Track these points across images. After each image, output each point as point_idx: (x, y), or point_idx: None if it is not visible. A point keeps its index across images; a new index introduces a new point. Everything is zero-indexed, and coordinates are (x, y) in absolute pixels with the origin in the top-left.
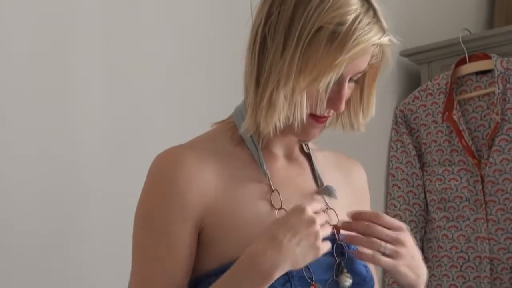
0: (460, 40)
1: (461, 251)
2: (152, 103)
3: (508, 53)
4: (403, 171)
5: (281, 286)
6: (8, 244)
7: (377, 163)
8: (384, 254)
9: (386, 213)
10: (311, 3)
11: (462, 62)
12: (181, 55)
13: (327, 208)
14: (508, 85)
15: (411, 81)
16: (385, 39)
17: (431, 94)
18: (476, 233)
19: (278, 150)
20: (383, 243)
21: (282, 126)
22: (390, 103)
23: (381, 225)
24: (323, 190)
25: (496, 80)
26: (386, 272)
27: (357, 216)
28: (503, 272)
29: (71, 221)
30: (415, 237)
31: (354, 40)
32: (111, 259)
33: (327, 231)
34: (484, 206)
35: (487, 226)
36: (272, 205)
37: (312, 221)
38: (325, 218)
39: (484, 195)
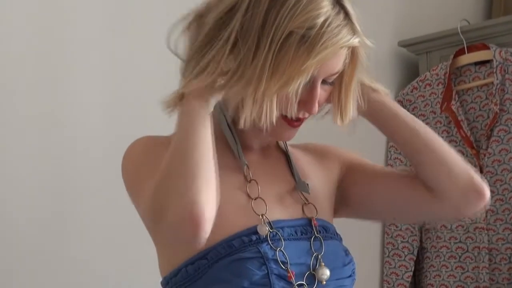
0: (459, 30)
1: (460, 241)
2: (150, 102)
3: (506, 43)
4: (401, 161)
5: (258, 269)
6: (7, 242)
7: (375, 154)
8: None
9: None
10: (283, 8)
11: (461, 52)
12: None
13: (305, 203)
14: (506, 76)
15: (410, 72)
16: (354, 41)
17: (429, 85)
18: (474, 224)
19: (254, 143)
20: None
21: (250, 126)
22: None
23: None
24: (299, 184)
25: (494, 70)
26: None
27: None
28: (502, 263)
29: (68, 220)
30: (414, 227)
31: (321, 44)
32: (111, 256)
33: None
34: None
35: (486, 216)
36: (248, 195)
37: None
38: None
39: None
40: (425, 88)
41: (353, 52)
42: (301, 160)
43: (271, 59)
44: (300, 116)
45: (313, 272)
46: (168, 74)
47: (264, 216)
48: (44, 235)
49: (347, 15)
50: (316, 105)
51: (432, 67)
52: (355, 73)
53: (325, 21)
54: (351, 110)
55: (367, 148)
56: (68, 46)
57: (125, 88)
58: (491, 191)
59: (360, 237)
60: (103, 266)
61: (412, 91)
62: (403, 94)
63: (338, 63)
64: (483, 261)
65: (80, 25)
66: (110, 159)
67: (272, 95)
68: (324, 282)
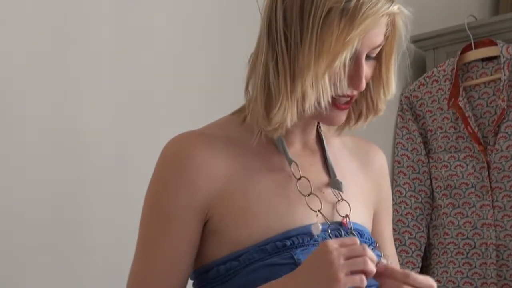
0: (466, 26)
1: (467, 237)
2: (156, 100)
3: None
4: (408, 157)
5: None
6: (11, 241)
7: (382, 150)
8: None
9: (392, 199)
10: None
11: (468, 48)
12: (187, 49)
13: (338, 200)
14: None
15: (417, 68)
16: (394, 8)
17: (436, 81)
18: (482, 220)
19: (296, 137)
20: None
21: (311, 113)
22: (395, 90)
23: (411, 285)
24: (334, 183)
25: (502, 66)
26: None
27: (386, 273)
28: (509, 259)
29: (75, 219)
30: (421, 224)
31: (362, 14)
32: (116, 258)
33: (366, 265)
34: (490, 192)
35: (493, 212)
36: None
37: (333, 255)
38: (356, 242)
39: (490, 182)
40: (432, 84)
41: (393, 23)
42: (342, 157)
43: (315, 40)
44: (349, 93)
45: None
46: (176, 75)
47: (320, 213)
48: (51, 235)
49: None
50: (363, 80)
51: (439, 63)
52: (395, 44)
53: None
54: (393, 85)
55: (374, 143)
56: (73, 45)
57: (133, 90)
58: (498, 187)
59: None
60: (108, 265)
61: (419, 88)
62: (410, 90)
63: (380, 34)
64: (490, 257)
65: (85, 23)
66: (116, 157)
67: (324, 74)
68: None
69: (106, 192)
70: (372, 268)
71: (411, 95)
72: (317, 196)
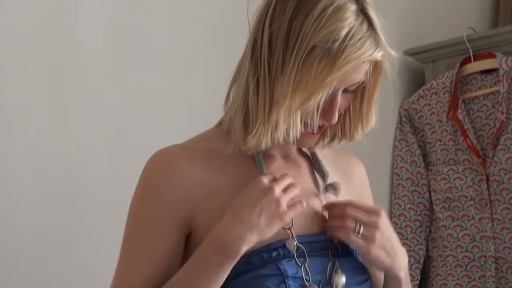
0: (465, 39)
1: (466, 250)
2: (155, 104)
3: None
4: (407, 170)
5: (276, 287)
6: (9, 245)
7: (381, 162)
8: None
9: (391, 212)
10: (307, 19)
11: (467, 61)
12: (185, 53)
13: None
14: None
15: (416, 80)
16: (377, 55)
17: (435, 93)
18: (481, 232)
19: (275, 152)
20: (357, 226)
21: (282, 141)
22: (394, 102)
23: (354, 207)
24: (329, 186)
25: (501, 79)
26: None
27: (330, 207)
28: (509, 272)
29: (73, 222)
30: (420, 236)
31: (344, 58)
32: (114, 260)
33: (292, 193)
34: (489, 205)
35: (492, 225)
36: None
37: (269, 188)
38: (289, 181)
39: (489, 194)
40: (431, 96)
41: (376, 63)
42: (330, 165)
43: (295, 74)
44: (321, 123)
45: (328, 280)
46: (174, 80)
47: (290, 230)
48: (46, 236)
49: (370, 24)
50: (336, 114)
51: (438, 75)
52: (378, 83)
53: (348, 33)
54: (373, 120)
55: (373, 157)
56: (71, 46)
57: (130, 93)
58: (497, 200)
59: None
60: (106, 268)
61: (418, 100)
62: (409, 102)
63: (360, 75)
64: (489, 270)
65: (83, 23)
66: (112, 161)
67: (297, 109)
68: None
69: (104, 197)
70: (297, 191)
71: (410, 107)
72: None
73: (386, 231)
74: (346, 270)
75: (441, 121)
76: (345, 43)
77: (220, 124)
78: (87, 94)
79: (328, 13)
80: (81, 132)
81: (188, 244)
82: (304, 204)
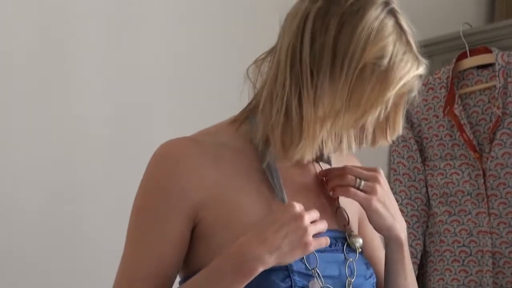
0: (461, 34)
1: (463, 245)
2: (154, 100)
3: (509, 47)
4: (404, 165)
5: (281, 281)
6: (10, 243)
7: (378, 158)
8: (359, 190)
9: None
10: (354, 37)
11: (463, 56)
12: (184, 50)
13: (338, 207)
14: (509, 79)
15: None
16: (421, 68)
17: (432, 89)
18: (478, 227)
19: None
20: (357, 180)
21: (332, 152)
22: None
23: (352, 174)
24: (322, 157)
25: (497, 74)
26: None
27: (328, 171)
28: (505, 266)
29: (73, 220)
30: (417, 232)
31: (395, 75)
32: (115, 256)
33: (320, 227)
34: (486, 200)
35: (489, 220)
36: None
37: (299, 216)
38: (317, 215)
39: (486, 189)
40: (427, 92)
41: None
42: (325, 167)
43: (347, 93)
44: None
45: (349, 278)
46: (174, 77)
47: (315, 271)
48: (52, 236)
49: (406, 35)
50: (400, 128)
51: (434, 71)
52: (406, 93)
53: (393, 49)
54: (400, 128)
55: (370, 153)
56: (69, 44)
57: (130, 90)
58: (494, 195)
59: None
60: (107, 266)
61: (414, 96)
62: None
63: (411, 90)
64: (486, 265)
65: (81, 22)
66: (113, 158)
67: (351, 127)
68: (359, 250)
69: (105, 194)
70: (325, 227)
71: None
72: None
73: (385, 187)
74: (352, 264)
75: (437, 116)
76: (393, 59)
77: (234, 121)
78: (86, 92)
79: (374, 29)
80: (80, 129)
81: (192, 237)
82: (328, 240)
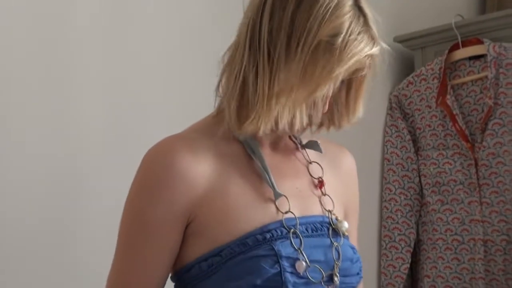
0: (453, 25)
1: (456, 233)
2: (152, 98)
3: (500, 38)
4: (398, 155)
5: (271, 267)
6: (9, 241)
7: (372, 148)
8: None
9: (382, 197)
10: (311, 15)
11: (456, 47)
12: (181, 46)
13: (323, 195)
14: (500, 70)
15: (405, 67)
16: (375, 50)
17: (425, 80)
18: (470, 216)
19: (266, 138)
20: None
21: (287, 129)
22: (384, 89)
23: None
24: (308, 144)
25: (489, 65)
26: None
27: None
28: (497, 254)
29: (71, 219)
30: (411, 220)
31: (348, 53)
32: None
33: None
34: (478, 189)
35: (481, 208)
36: (265, 195)
37: None
38: None
39: (478, 178)
40: (420, 83)
41: (370, 58)
42: (313, 158)
43: (301, 68)
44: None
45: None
46: (170, 74)
47: (283, 214)
48: (50, 234)
49: (365, 18)
50: (327, 104)
51: (427, 62)
52: (366, 77)
53: (348, 28)
54: (360, 111)
55: (364, 143)
56: (66, 41)
57: (127, 87)
58: (486, 184)
59: (358, 230)
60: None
61: (407, 86)
62: (399, 89)
63: (362, 68)
64: (478, 253)
65: (78, 20)
66: (111, 156)
67: (303, 102)
68: (345, 234)
69: (104, 190)
70: None
71: (400, 93)
72: (286, 198)
73: None
74: (339, 248)
75: (430, 107)
76: (347, 38)
77: (216, 114)
78: (84, 87)
79: (330, 8)
80: (80, 125)
81: (184, 234)
82: None
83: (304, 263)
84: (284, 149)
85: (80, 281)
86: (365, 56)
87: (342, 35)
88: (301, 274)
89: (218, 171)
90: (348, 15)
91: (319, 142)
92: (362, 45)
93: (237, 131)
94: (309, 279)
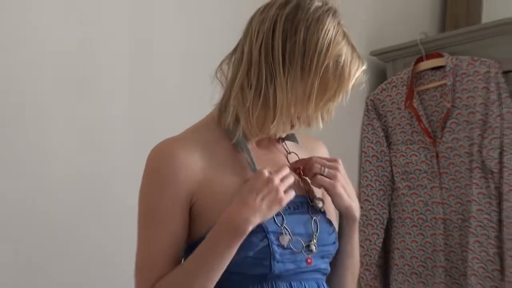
0: (418, 42)
1: (421, 213)
2: (171, 102)
3: (457, 52)
4: (373, 149)
5: (260, 241)
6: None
7: (352, 143)
8: (323, 176)
9: (360, 183)
10: (319, 41)
11: (420, 60)
12: (197, 50)
13: (289, 153)
14: (457, 78)
15: (379, 76)
16: (364, 67)
17: (395, 86)
18: (432, 199)
19: (254, 137)
20: (322, 167)
21: (302, 129)
22: (362, 94)
23: (318, 162)
24: (287, 137)
25: (447, 74)
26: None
27: (297, 162)
28: (454, 230)
29: (98, 216)
30: (384, 202)
31: (349, 71)
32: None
33: (289, 182)
34: (438, 176)
35: (441, 193)
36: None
37: (270, 180)
38: (286, 172)
39: (438, 168)
40: (392, 89)
41: None
42: (295, 150)
43: (317, 82)
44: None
45: (315, 233)
46: (187, 77)
47: (285, 227)
48: (77, 224)
49: (349, 39)
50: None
51: (397, 72)
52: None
53: (346, 51)
54: (333, 114)
55: (345, 139)
56: (94, 47)
57: (148, 88)
58: (445, 172)
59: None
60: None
61: (381, 92)
62: (374, 94)
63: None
64: (439, 229)
65: (105, 28)
66: (134, 160)
67: (320, 108)
68: (322, 210)
69: (125, 187)
70: (293, 180)
71: (375, 98)
72: None
73: (344, 174)
74: (317, 222)
75: (400, 109)
76: (348, 58)
77: (213, 116)
78: (108, 92)
79: (333, 35)
80: (103, 127)
81: (190, 216)
82: (294, 193)
83: (287, 237)
84: (267, 144)
85: (112, 277)
86: (361, 71)
87: (344, 56)
88: (285, 246)
89: (210, 163)
90: (344, 40)
91: (295, 134)
92: (357, 62)
93: (258, 133)
94: (292, 249)
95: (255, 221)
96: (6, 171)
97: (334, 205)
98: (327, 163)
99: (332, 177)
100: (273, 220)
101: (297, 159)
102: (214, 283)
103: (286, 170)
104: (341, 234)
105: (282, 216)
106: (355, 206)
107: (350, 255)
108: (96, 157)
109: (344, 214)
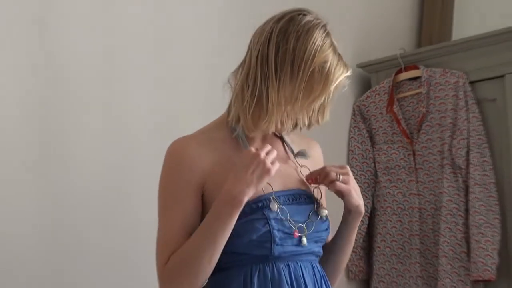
0: (398, 56)
1: (399, 203)
2: (190, 109)
3: (431, 64)
4: (359, 148)
5: (262, 227)
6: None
7: (340, 143)
8: (340, 182)
9: None
10: (307, 49)
11: (400, 71)
12: (223, 61)
13: (300, 166)
14: (431, 87)
15: (364, 85)
16: (349, 72)
17: (378, 94)
18: (409, 191)
19: (258, 135)
20: (338, 175)
21: (290, 128)
22: (349, 101)
23: (331, 170)
24: (298, 153)
25: (422, 84)
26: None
27: (312, 173)
28: (427, 217)
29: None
30: (368, 194)
31: (334, 76)
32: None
33: (272, 156)
34: (415, 171)
35: (417, 185)
36: None
37: (257, 155)
38: (269, 147)
39: (415, 164)
40: (375, 96)
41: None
42: (296, 145)
43: (304, 85)
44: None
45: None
46: (211, 86)
47: (270, 185)
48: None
49: (336, 49)
50: (327, 112)
51: (380, 81)
52: (334, 92)
53: (332, 58)
54: (328, 114)
55: (335, 139)
56: (120, 50)
57: (173, 94)
58: (421, 168)
59: (330, 202)
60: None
61: (366, 99)
62: (360, 101)
63: (341, 86)
64: (415, 217)
65: (130, 31)
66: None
67: (306, 108)
68: (317, 200)
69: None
70: (276, 153)
71: (360, 104)
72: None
73: (353, 178)
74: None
75: (382, 114)
76: (333, 64)
77: (222, 118)
78: (133, 96)
79: (319, 44)
80: (129, 130)
81: (202, 202)
82: (278, 164)
83: (276, 204)
84: (270, 143)
85: (137, 276)
86: (345, 77)
87: (329, 62)
88: (274, 210)
89: (217, 158)
90: (330, 49)
91: (305, 149)
92: (342, 69)
93: (252, 129)
94: (289, 234)
95: (249, 192)
96: (61, 165)
97: (346, 204)
98: (340, 170)
99: (346, 182)
100: (276, 211)
101: (301, 163)
102: (218, 249)
103: (269, 147)
104: (346, 226)
105: (283, 208)
106: (362, 204)
107: (351, 242)
108: (121, 161)
109: (353, 211)
